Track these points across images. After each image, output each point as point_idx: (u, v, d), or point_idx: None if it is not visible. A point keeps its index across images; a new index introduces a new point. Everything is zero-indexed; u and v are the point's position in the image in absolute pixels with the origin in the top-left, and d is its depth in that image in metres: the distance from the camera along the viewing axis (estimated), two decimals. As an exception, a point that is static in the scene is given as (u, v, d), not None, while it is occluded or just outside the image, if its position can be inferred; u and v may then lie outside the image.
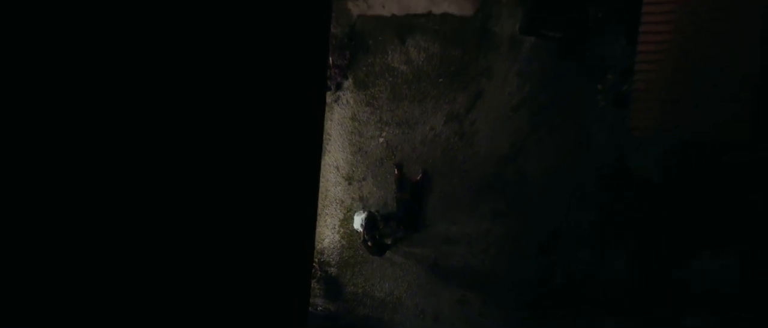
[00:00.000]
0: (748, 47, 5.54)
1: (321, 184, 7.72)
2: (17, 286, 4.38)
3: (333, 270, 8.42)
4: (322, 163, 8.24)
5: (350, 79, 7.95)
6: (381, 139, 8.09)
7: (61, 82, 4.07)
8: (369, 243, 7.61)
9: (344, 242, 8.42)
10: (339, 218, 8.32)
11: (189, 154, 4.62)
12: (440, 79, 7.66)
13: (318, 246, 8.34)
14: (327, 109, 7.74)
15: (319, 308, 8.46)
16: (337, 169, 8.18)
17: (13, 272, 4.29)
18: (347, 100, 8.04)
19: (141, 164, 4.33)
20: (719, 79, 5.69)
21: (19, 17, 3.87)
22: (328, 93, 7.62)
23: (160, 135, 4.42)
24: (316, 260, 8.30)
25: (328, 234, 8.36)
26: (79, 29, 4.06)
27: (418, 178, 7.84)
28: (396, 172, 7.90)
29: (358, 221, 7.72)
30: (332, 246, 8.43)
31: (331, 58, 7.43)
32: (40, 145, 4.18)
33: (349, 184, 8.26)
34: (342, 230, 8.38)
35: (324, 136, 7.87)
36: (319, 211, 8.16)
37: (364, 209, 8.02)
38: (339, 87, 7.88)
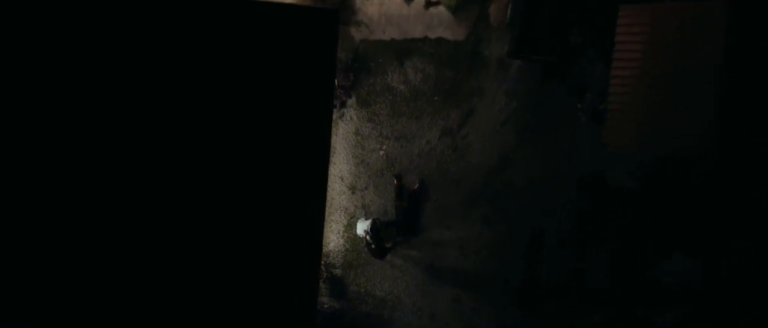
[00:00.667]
0: (710, 71, 6.17)
1: (327, 193, 8.33)
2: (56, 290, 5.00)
3: (338, 271, 8.89)
4: (328, 174, 8.86)
5: (354, 98, 8.45)
6: (381, 152, 8.61)
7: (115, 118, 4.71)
8: (373, 246, 8.08)
9: (348, 246, 8.88)
10: (343, 223, 8.82)
11: (224, 168, 5.26)
12: (435, 98, 8.23)
13: (324, 249, 8.87)
14: (333, 125, 8.34)
15: (325, 306, 8.86)
16: (342, 179, 8.67)
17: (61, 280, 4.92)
18: (351, 117, 8.56)
19: (182, 175, 4.97)
20: (685, 100, 6.32)
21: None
22: (334, 110, 8.20)
23: (207, 154, 5.08)
24: (323, 262, 8.84)
25: (333, 238, 8.84)
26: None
27: (416, 187, 8.34)
28: (395, 182, 8.39)
29: (361, 226, 8.19)
30: (337, 249, 8.89)
31: (336, 80, 8.04)
32: (73, 146, 4.81)
33: (353, 193, 8.76)
34: (346, 234, 8.84)
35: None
36: (326, 217, 8.76)
37: (366, 216, 8.49)
38: (343, 105, 8.37)
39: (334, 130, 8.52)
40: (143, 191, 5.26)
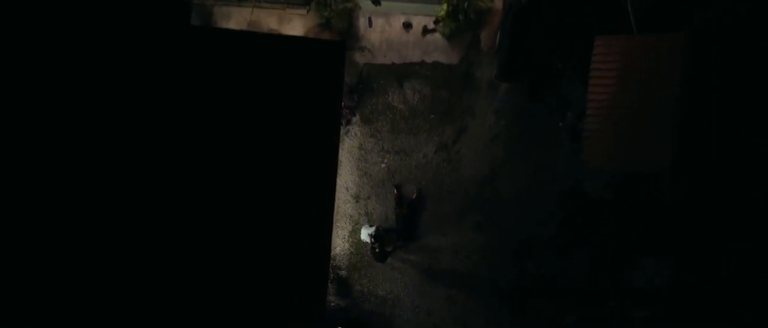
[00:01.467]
0: (670, 100, 6.73)
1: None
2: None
3: (343, 273, 9.31)
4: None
5: (358, 116, 8.93)
6: (383, 165, 9.07)
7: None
8: (376, 250, 8.52)
9: (352, 250, 9.27)
10: (348, 230, 9.24)
11: (247, 179, 6.02)
12: (431, 116, 8.76)
13: (331, 253, 9.41)
14: (339, 140, 8.89)
15: (332, 304, 9.22)
16: (347, 189, 9.13)
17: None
18: (355, 133, 9.03)
19: (216, 187, 5.74)
20: (647, 124, 6.98)
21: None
22: (340, 128, 8.73)
23: (234, 168, 5.84)
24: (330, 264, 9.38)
25: (339, 243, 9.26)
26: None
27: (414, 197, 8.80)
28: (395, 192, 8.84)
29: (364, 233, 8.63)
30: (343, 253, 9.30)
31: (342, 101, 8.59)
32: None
33: (357, 201, 9.20)
34: (351, 239, 9.23)
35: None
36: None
37: (369, 223, 8.91)
38: (349, 123, 8.83)
39: (340, 145, 9.07)
40: (182, 203, 5.98)
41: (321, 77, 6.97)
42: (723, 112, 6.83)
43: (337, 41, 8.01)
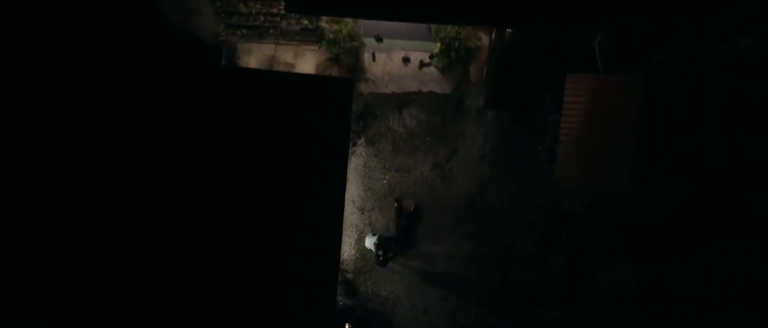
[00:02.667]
0: (626, 130, 7.68)
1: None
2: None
3: (350, 275, 10.20)
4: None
5: (363, 139, 9.86)
6: (384, 181, 9.98)
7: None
8: (380, 257, 9.40)
9: (358, 256, 10.14)
10: (354, 238, 10.13)
11: (270, 197, 7.11)
12: (427, 138, 9.74)
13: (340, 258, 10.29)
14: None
15: (341, 303, 10.03)
16: (353, 202, 10.01)
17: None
18: (361, 153, 9.95)
19: (249, 204, 6.86)
20: (610, 150, 8.04)
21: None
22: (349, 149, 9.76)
23: (260, 187, 6.96)
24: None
25: (346, 250, 10.10)
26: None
27: (412, 209, 9.69)
28: (395, 204, 9.73)
29: (368, 241, 9.52)
30: (349, 258, 10.17)
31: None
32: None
33: (362, 213, 10.09)
34: (356, 246, 10.11)
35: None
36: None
37: (372, 232, 9.81)
38: (355, 145, 9.73)
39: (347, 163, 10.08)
40: (220, 213, 7.09)
41: (333, 108, 8.07)
42: (674, 141, 7.89)
43: (347, 78, 9.09)
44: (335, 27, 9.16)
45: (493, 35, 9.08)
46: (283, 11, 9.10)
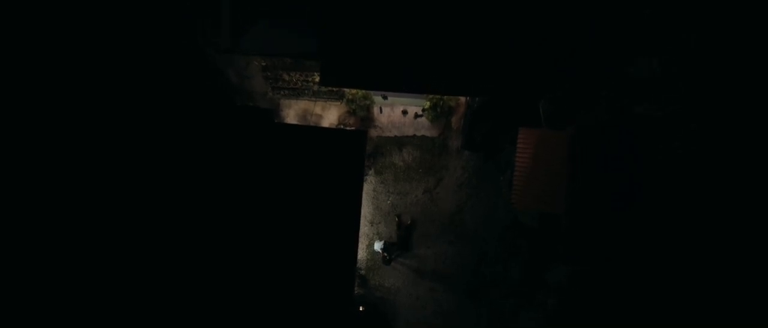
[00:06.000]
0: (561, 169, 10.43)
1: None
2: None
3: (363, 272, 12.82)
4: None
5: (372, 170, 12.62)
6: (388, 202, 12.67)
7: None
8: (385, 258, 12.10)
9: (369, 257, 12.76)
10: (366, 244, 12.76)
11: (308, 220, 10.00)
12: (420, 170, 12.52)
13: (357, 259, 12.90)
14: None
15: (356, 292, 12.47)
16: (365, 217, 12.61)
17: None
18: (371, 181, 12.70)
19: (285, 229, 9.79)
20: (549, 183, 10.94)
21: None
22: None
23: (300, 210, 9.95)
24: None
25: (360, 253, 12.53)
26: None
27: (409, 222, 12.39)
28: (397, 219, 12.40)
29: (377, 246, 12.19)
30: (362, 259, 12.79)
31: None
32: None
33: (371, 225, 12.79)
34: (368, 250, 12.72)
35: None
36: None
37: (379, 239, 12.48)
38: (366, 175, 12.45)
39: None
40: (267, 235, 10.03)
41: (353, 152, 10.93)
42: (594, 179, 10.78)
43: (361, 131, 11.97)
44: (353, 91, 12.23)
45: (468, 98, 12.10)
46: (315, 78, 12.15)
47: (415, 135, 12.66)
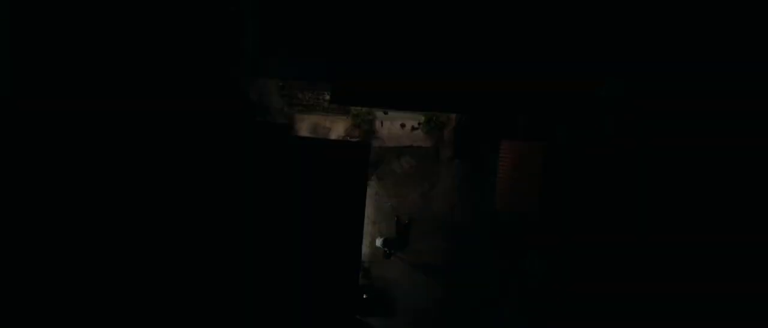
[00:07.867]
0: (537, 175, 12.12)
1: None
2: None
3: (366, 265, 14.13)
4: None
5: (375, 176, 14.07)
6: (389, 204, 14.11)
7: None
8: (386, 253, 13.59)
9: (372, 252, 14.13)
10: (368, 241, 14.05)
11: (322, 223, 11.69)
12: (416, 176, 14.03)
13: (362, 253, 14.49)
14: None
15: (360, 283, 13.54)
16: (368, 217, 13.74)
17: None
18: (373, 186, 14.07)
19: (297, 235, 11.48)
20: (527, 188, 12.69)
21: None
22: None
23: (312, 215, 11.66)
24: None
25: (364, 249, 13.40)
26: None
27: (407, 222, 13.84)
28: (396, 218, 13.85)
29: (379, 242, 13.63)
30: (366, 254, 13.98)
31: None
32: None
33: (374, 224, 14.13)
34: (371, 246, 14.04)
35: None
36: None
37: (381, 236, 13.92)
38: (370, 180, 13.88)
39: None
40: (284, 237, 11.72)
41: (358, 161, 12.64)
42: (567, 184, 12.49)
43: (365, 142, 13.78)
44: (358, 107, 13.95)
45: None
46: (326, 96, 13.85)
47: (411, 146, 14.25)
